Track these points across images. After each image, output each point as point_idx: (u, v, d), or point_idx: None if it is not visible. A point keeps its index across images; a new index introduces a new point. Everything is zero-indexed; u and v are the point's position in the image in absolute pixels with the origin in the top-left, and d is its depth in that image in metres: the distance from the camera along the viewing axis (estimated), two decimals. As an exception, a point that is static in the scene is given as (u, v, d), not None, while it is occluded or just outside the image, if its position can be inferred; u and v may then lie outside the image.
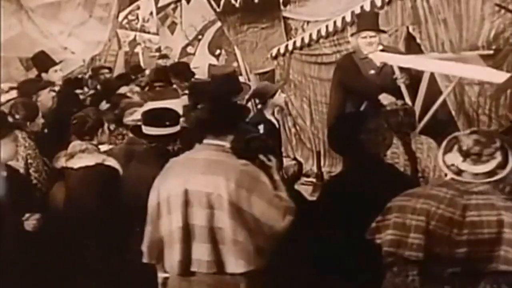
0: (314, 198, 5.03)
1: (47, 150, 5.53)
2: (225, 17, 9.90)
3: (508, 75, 5.96)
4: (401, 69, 6.65)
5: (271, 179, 3.96)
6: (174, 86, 7.94)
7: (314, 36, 8.29)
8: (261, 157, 4.03)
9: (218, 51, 12.45)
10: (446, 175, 3.68)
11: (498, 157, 3.52)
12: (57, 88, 7.04)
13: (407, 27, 7.46)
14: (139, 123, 5.14)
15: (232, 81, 5.77)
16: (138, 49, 13.49)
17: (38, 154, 5.38)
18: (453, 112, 7.02)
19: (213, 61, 12.13)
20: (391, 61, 6.72)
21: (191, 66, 11.07)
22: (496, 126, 6.71)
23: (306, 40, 8.40)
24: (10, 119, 5.53)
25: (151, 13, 13.35)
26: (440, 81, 6.91)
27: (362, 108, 6.63)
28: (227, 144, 3.92)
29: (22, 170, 5.18)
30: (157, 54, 12.85)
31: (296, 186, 5.24)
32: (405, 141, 5.37)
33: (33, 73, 8.19)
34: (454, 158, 3.55)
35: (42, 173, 5.33)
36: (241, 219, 3.76)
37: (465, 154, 3.51)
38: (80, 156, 4.99)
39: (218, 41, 12.31)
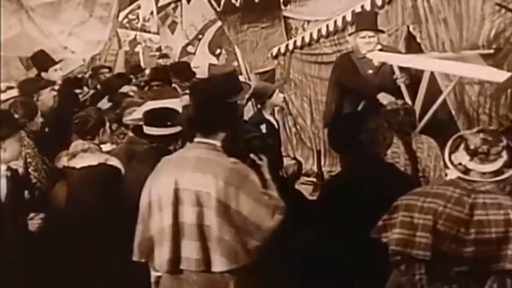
0: (315, 198, 5.02)
1: (47, 149, 5.53)
2: (225, 16, 9.90)
3: (509, 74, 5.96)
4: (401, 69, 6.65)
5: (261, 178, 3.96)
6: (173, 85, 7.94)
7: (315, 36, 8.29)
8: (252, 156, 4.03)
9: (218, 51, 12.44)
10: (446, 174, 3.68)
11: (504, 156, 3.52)
12: (57, 87, 7.05)
13: (408, 27, 7.46)
14: (139, 122, 5.13)
15: (232, 80, 5.76)
16: (138, 49, 13.49)
17: (37, 153, 5.38)
18: (453, 112, 7.02)
19: (214, 60, 12.12)
20: (391, 61, 6.72)
21: (192, 65, 11.09)
22: (496, 125, 6.71)
23: (307, 40, 8.40)
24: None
25: (152, 13, 13.35)
26: (440, 80, 6.91)
27: (360, 108, 6.62)
28: (217, 143, 3.93)
29: (21, 169, 5.17)
30: (158, 53, 12.84)
31: (296, 186, 5.24)
32: (406, 141, 5.37)
33: (33, 73, 8.20)
34: (461, 157, 3.55)
35: (42, 172, 5.33)
36: (228, 217, 3.77)
37: (473, 153, 3.51)
38: (82, 156, 4.99)
39: (219, 41, 12.30)
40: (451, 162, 3.59)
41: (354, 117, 4.93)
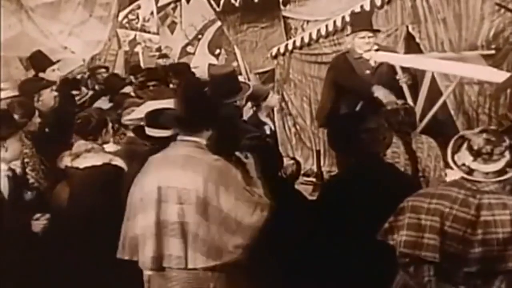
0: (314, 198, 5.03)
1: (46, 149, 5.53)
2: (225, 16, 9.90)
3: (508, 74, 5.97)
4: (402, 69, 6.66)
5: (247, 176, 3.97)
6: (171, 86, 7.94)
7: (314, 36, 8.28)
8: (238, 154, 4.03)
9: (218, 51, 12.45)
10: (446, 174, 3.69)
11: (507, 156, 3.52)
12: (55, 88, 7.04)
13: (407, 27, 7.46)
14: (138, 122, 5.13)
15: (231, 80, 5.76)
16: (138, 49, 13.49)
17: (35, 153, 5.38)
18: (453, 112, 7.02)
19: (213, 60, 12.12)
20: (392, 61, 6.72)
21: (191, 65, 11.09)
22: (496, 125, 6.70)
23: (306, 40, 8.40)
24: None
25: (152, 13, 13.35)
26: (439, 81, 6.91)
27: (358, 108, 6.62)
28: (201, 140, 3.94)
29: (18, 170, 5.18)
30: (157, 53, 12.85)
31: (296, 186, 5.25)
32: (406, 141, 5.37)
33: (33, 73, 8.18)
34: (464, 157, 3.55)
35: (39, 172, 5.33)
36: (207, 214, 3.79)
37: (476, 154, 3.51)
38: (86, 156, 4.99)
39: (218, 41, 12.31)
40: (455, 163, 3.59)
41: (354, 117, 4.93)
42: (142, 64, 12.35)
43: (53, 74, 7.62)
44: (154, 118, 4.89)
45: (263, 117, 6.73)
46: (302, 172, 7.46)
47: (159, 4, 13.25)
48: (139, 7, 13.41)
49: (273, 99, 6.92)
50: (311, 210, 4.39)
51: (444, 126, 6.76)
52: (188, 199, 3.80)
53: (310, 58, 8.44)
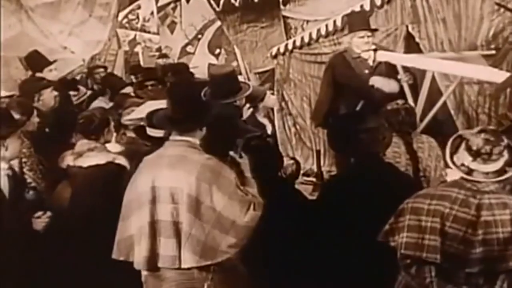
0: (314, 198, 5.03)
1: (45, 149, 5.54)
2: (224, 16, 9.91)
3: (507, 74, 5.97)
4: (403, 69, 6.66)
5: (241, 175, 3.96)
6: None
7: (314, 35, 8.28)
8: (232, 153, 4.03)
9: (217, 50, 12.44)
10: (446, 174, 3.68)
11: (506, 155, 3.52)
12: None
13: (407, 26, 7.46)
14: (138, 122, 5.13)
15: (231, 80, 5.76)
16: (138, 49, 13.49)
17: (33, 153, 5.39)
18: (452, 111, 7.03)
19: (213, 60, 12.11)
20: (393, 60, 6.73)
21: (191, 65, 11.09)
22: (496, 125, 6.71)
23: (306, 39, 8.40)
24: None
25: (152, 13, 13.35)
26: (439, 80, 6.91)
27: (358, 108, 6.62)
28: (193, 140, 3.95)
29: (16, 169, 5.19)
30: (157, 53, 12.85)
31: (296, 186, 5.25)
32: (407, 141, 5.37)
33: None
34: (463, 158, 3.55)
35: (37, 172, 5.34)
36: (200, 213, 3.79)
37: (475, 154, 3.51)
38: (89, 155, 4.99)
39: (218, 40, 12.31)
40: (454, 163, 3.59)
41: (353, 117, 4.93)
42: (142, 64, 12.34)
43: (50, 74, 7.62)
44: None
45: (260, 117, 6.73)
46: (302, 172, 7.47)
47: (159, 4, 13.25)
48: (139, 7, 13.41)
49: (270, 99, 6.94)
50: (311, 210, 4.39)
51: (444, 125, 6.76)
52: (181, 198, 3.80)
53: (310, 58, 8.44)
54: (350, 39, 6.87)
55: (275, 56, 8.79)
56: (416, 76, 6.88)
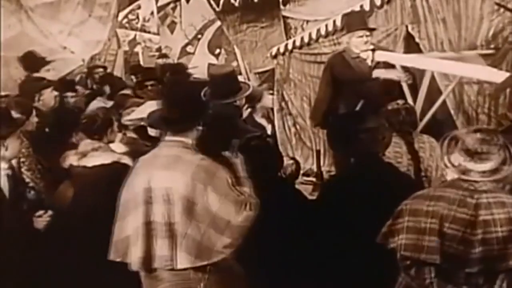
0: (314, 197, 5.03)
1: (44, 149, 5.54)
2: (224, 16, 9.91)
3: (507, 74, 5.98)
4: (402, 68, 6.67)
5: (235, 175, 3.95)
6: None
7: (314, 35, 8.29)
8: (227, 153, 4.02)
9: (217, 50, 12.44)
10: (446, 174, 3.67)
11: (501, 154, 3.52)
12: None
13: (407, 26, 7.47)
14: (140, 123, 5.13)
15: (231, 80, 5.76)
16: (138, 49, 13.49)
17: (32, 152, 5.39)
18: (452, 111, 7.03)
19: (213, 60, 12.12)
20: (392, 60, 6.73)
21: (191, 65, 11.10)
22: (496, 125, 6.72)
23: (306, 39, 8.41)
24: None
25: (152, 13, 13.35)
26: (439, 80, 6.92)
27: (358, 107, 6.63)
28: (187, 140, 3.93)
29: (15, 169, 5.19)
30: (157, 53, 12.85)
31: (296, 186, 5.26)
32: (408, 141, 5.36)
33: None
34: (459, 157, 3.54)
35: (35, 171, 5.34)
36: (195, 214, 3.78)
37: (471, 153, 3.51)
38: (94, 155, 4.98)
39: (218, 40, 12.31)
40: (450, 163, 3.59)
41: (353, 117, 4.93)
42: (142, 64, 12.34)
43: (47, 74, 7.62)
44: None
45: (258, 118, 6.74)
46: (302, 172, 7.48)
47: (158, 4, 13.25)
48: (139, 7, 13.41)
49: (268, 100, 6.93)
50: (310, 210, 4.39)
51: (444, 125, 6.77)
52: (175, 199, 3.80)
53: (310, 58, 8.45)
54: (348, 39, 6.86)
55: (275, 56, 8.80)
56: (415, 76, 6.88)
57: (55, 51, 9.87)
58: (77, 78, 10.18)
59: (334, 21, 7.95)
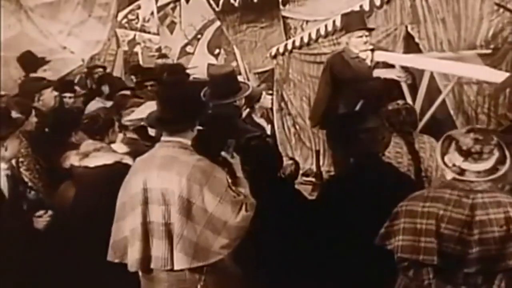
0: (313, 198, 5.04)
1: (43, 149, 5.54)
2: (224, 16, 9.91)
3: (507, 74, 5.98)
4: (402, 68, 6.68)
5: (232, 176, 3.96)
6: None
7: (313, 36, 8.29)
8: (224, 154, 4.02)
9: (217, 51, 12.44)
10: (426, 175, 3.68)
11: (496, 153, 3.53)
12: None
13: (406, 26, 7.47)
14: (140, 123, 5.13)
15: (231, 80, 5.75)
16: (137, 49, 13.48)
17: (30, 152, 5.39)
18: (452, 111, 7.04)
19: (212, 60, 12.11)
20: (391, 60, 6.74)
21: (190, 65, 11.09)
22: (495, 125, 6.73)
23: (305, 40, 8.41)
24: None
25: (152, 13, 13.35)
26: (439, 80, 6.92)
27: (358, 107, 6.63)
28: (184, 140, 3.93)
29: (14, 169, 5.19)
30: (157, 53, 12.84)
31: (295, 186, 5.25)
32: (408, 141, 5.36)
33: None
34: (455, 158, 3.55)
35: (34, 171, 5.35)
36: (192, 215, 3.78)
37: (466, 154, 3.52)
38: (96, 155, 4.98)
39: (217, 41, 12.30)
40: (445, 164, 3.59)
41: (353, 117, 4.93)
42: (141, 64, 12.33)
43: (44, 74, 7.60)
44: None
45: (257, 118, 6.74)
46: (301, 172, 7.49)
47: (158, 4, 13.24)
48: (139, 7, 13.40)
49: (266, 100, 6.93)
50: (310, 210, 4.39)
51: (443, 126, 6.76)
52: (172, 200, 3.80)
53: (310, 58, 8.45)
54: (348, 39, 6.87)
55: (274, 56, 8.80)
56: (415, 76, 6.89)
57: (55, 51, 9.85)
58: (77, 78, 10.18)
59: (334, 21, 7.95)
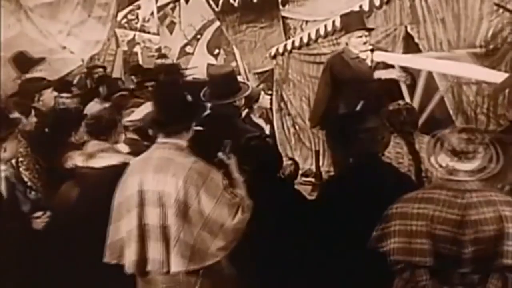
0: (313, 198, 5.04)
1: (43, 149, 5.54)
2: (224, 16, 9.91)
3: (506, 75, 5.99)
4: (402, 69, 6.68)
5: (229, 177, 3.95)
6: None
7: (313, 36, 8.30)
8: (220, 155, 4.01)
9: (217, 51, 12.43)
10: (426, 176, 3.69)
11: (488, 152, 3.53)
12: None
13: (406, 27, 7.47)
14: (139, 124, 5.11)
15: (230, 81, 5.76)
16: (137, 49, 13.48)
17: (30, 152, 5.39)
18: (451, 112, 7.04)
19: (212, 60, 12.11)
20: (390, 60, 6.74)
21: (190, 65, 11.10)
22: (495, 125, 6.73)
23: (305, 40, 8.41)
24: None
25: (152, 13, 13.34)
26: (438, 80, 6.93)
27: (359, 107, 6.64)
28: (180, 142, 3.92)
29: (14, 169, 5.19)
30: (156, 54, 12.84)
31: (295, 186, 5.26)
32: (409, 141, 5.37)
33: (31, 73, 8.15)
34: (444, 158, 3.55)
35: (33, 171, 5.35)
36: (188, 217, 3.77)
37: (455, 153, 3.52)
38: (102, 156, 4.97)
39: (217, 41, 12.30)
40: (435, 165, 3.59)
41: (352, 117, 4.94)
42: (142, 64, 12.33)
43: (38, 74, 7.59)
44: None
45: (256, 118, 6.74)
46: (301, 172, 7.49)
47: (157, 4, 13.24)
48: (139, 7, 13.39)
49: (265, 100, 6.93)
50: (310, 210, 4.39)
51: (443, 126, 6.75)
52: (168, 202, 3.78)
53: (309, 58, 8.45)
54: (347, 39, 6.88)
55: (274, 57, 8.80)
56: (414, 76, 6.89)
57: (54, 51, 9.86)
58: (77, 78, 10.18)
59: (333, 22, 7.96)
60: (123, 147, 5.35)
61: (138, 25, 13.49)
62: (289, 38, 9.00)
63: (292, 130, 8.81)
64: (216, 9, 9.85)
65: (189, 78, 9.32)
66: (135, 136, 5.49)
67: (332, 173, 7.44)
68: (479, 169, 3.52)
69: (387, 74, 6.63)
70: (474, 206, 3.47)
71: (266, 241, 4.05)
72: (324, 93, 7.09)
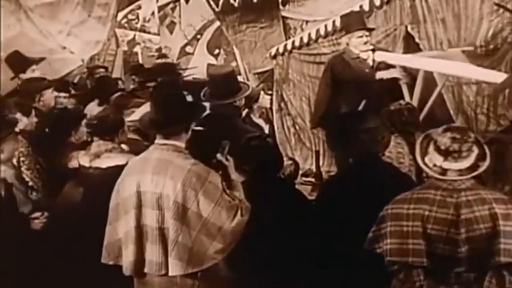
0: (313, 198, 5.04)
1: (43, 149, 5.54)
2: (224, 16, 9.91)
3: (505, 75, 5.99)
4: (403, 69, 6.69)
5: (227, 179, 3.94)
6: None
7: (313, 36, 8.29)
8: (219, 156, 4.00)
9: (217, 51, 12.42)
10: (427, 176, 3.69)
11: (476, 150, 3.54)
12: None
13: (406, 27, 7.47)
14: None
15: (230, 81, 5.76)
16: (137, 49, 13.47)
17: (31, 152, 5.39)
18: (451, 112, 7.04)
19: (212, 60, 12.10)
20: (390, 60, 6.74)
21: (190, 65, 11.09)
22: (495, 125, 6.73)
23: (305, 40, 8.40)
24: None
25: (153, 13, 13.34)
26: (438, 81, 6.93)
27: (361, 107, 6.64)
28: (178, 143, 3.90)
29: (15, 169, 5.19)
30: (157, 54, 12.83)
31: (295, 186, 5.26)
32: (410, 141, 5.37)
33: (31, 73, 8.14)
34: (434, 158, 3.56)
35: (34, 171, 5.35)
36: (187, 220, 3.75)
37: (445, 153, 3.52)
38: (109, 156, 4.96)
39: (217, 41, 12.29)
40: (426, 165, 3.60)
41: (352, 117, 4.93)
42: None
43: (33, 74, 7.58)
44: None
45: (255, 118, 6.73)
46: (301, 172, 7.49)
47: (158, 4, 13.23)
48: (139, 7, 13.39)
49: (264, 100, 6.93)
50: (310, 210, 4.39)
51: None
52: (166, 205, 3.78)
53: (309, 58, 8.45)
54: (348, 39, 6.88)
55: (274, 57, 8.80)
56: (414, 76, 6.89)
57: (54, 51, 9.85)
58: (77, 78, 10.17)
59: (334, 22, 7.95)
60: (124, 147, 5.36)
61: (138, 25, 13.48)
62: (289, 38, 8.99)
63: (292, 130, 8.80)
64: (216, 9, 9.84)
65: (189, 78, 9.33)
66: (135, 136, 5.49)
67: (332, 173, 7.44)
68: (470, 168, 3.53)
69: (389, 74, 6.63)
70: (467, 205, 3.48)
71: (266, 241, 4.05)
72: (324, 93, 7.09)
